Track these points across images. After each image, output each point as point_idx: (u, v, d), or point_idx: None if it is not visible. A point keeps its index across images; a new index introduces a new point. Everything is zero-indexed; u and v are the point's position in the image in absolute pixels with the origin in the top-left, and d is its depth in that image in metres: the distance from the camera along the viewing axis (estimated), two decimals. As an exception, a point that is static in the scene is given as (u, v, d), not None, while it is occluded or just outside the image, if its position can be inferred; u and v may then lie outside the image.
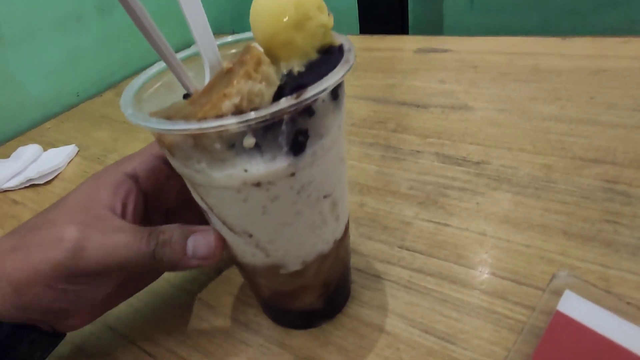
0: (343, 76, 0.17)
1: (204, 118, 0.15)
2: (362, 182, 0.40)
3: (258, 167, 0.17)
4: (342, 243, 0.24)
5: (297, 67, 0.19)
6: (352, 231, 0.34)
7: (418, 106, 0.51)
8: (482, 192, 0.36)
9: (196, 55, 0.22)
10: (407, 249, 0.32)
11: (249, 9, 0.19)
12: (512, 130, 0.43)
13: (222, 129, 0.15)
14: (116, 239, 0.21)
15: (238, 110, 0.16)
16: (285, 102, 0.15)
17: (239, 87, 0.16)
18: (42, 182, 0.49)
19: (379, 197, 0.37)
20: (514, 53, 0.59)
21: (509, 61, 0.57)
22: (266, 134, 0.16)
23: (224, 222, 0.20)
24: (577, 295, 0.24)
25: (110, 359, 0.28)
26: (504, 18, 0.92)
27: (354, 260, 0.32)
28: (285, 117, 0.16)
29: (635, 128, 0.39)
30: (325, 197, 0.20)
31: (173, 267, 0.22)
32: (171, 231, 0.22)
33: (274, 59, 0.19)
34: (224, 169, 0.17)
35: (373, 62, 0.66)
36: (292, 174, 0.18)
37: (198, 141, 0.17)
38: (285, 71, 0.19)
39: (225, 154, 0.17)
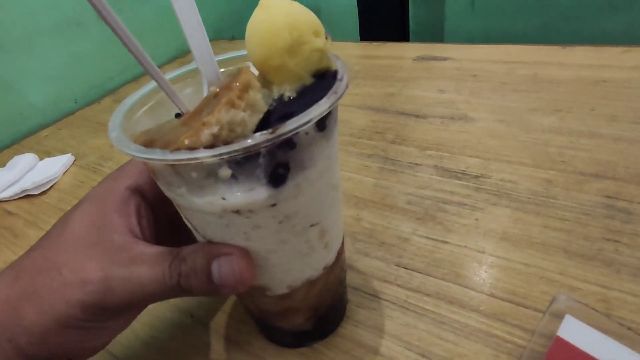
0: (328, 109, 0.16)
1: (177, 149, 0.15)
2: (359, 195, 0.39)
3: (236, 196, 0.17)
4: (333, 269, 0.23)
5: (289, 92, 0.18)
6: (348, 247, 0.34)
7: (417, 116, 0.50)
8: (481, 207, 0.35)
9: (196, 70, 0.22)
10: (405, 267, 0.31)
11: (249, 14, 0.19)
12: (511, 142, 0.43)
13: (194, 161, 0.15)
14: (139, 273, 0.19)
15: (216, 140, 0.15)
16: (259, 137, 0.15)
17: (219, 116, 0.16)
18: (37, 192, 0.49)
19: (376, 211, 0.37)
20: (514, 62, 0.59)
21: (509, 70, 0.57)
22: (242, 166, 0.16)
23: (209, 243, 0.20)
24: (578, 320, 0.24)
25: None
26: (504, 22, 0.92)
27: (350, 278, 0.31)
28: (262, 150, 0.16)
29: (637, 142, 0.39)
30: (312, 226, 0.20)
31: (207, 295, 0.20)
32: (193, 258, 0.19)
33: (267, 82, 0.19)
34: (203, 195, 0.17)
35: (372, 70, 0.65)
36: (273, 205, 0.17)
37: (176, 169, 0.17)
38: (276, 96, 0.18)
39: (204, 182, 0.17)
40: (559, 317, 0.25)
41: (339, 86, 0.17)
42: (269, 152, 0.16)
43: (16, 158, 0.54)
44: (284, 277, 0.21)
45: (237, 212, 0.17)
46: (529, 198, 0.35)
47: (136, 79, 0.80)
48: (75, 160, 0.55)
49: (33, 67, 0.66)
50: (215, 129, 0.15)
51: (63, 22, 0.68)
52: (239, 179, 0.16)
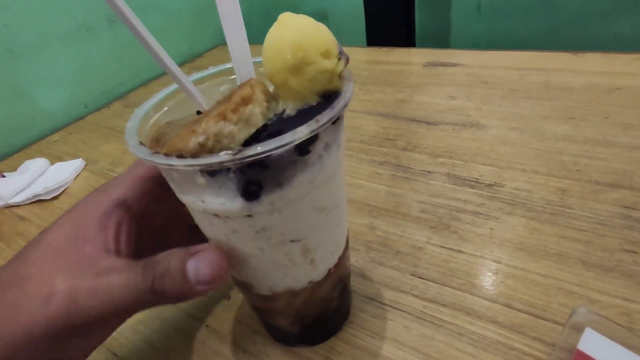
0: (304, 137, 0.16)
1: (156, 152, 0.16)
2: (372, 203, 0.39)
3: (212, 201, 0.17)
4: (321, 285, 0.23)
5: (290, 110, 0.18)
6: (363, 256, 0.34)
7: (428, 123, 0.50)
8: (495, 216, 0.35)
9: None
10: (420, 277, 0.31)
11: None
12: (525, 150, 0.42)
13: (166, 167, 0.16)
14: (109, 281, 0.19)
15: (202, 148, 0.16)
16: (223, 157, 0.15)
17: (207, 126, 0.16)
18: (48, 197, 0.49)
19: (390, 219, 0.37)
20: (525, 68, 0.58)
21: (520, 77, 0.57)
22: (215, 177, 0.17)
23: (202, 231, 0.22)
24: (599, 333, 0.24)
25: (116, 388, 0.28)
26: (511, 26, 0.92)
27: (365, 287, 0.31)
28: (232, 166, 0.16)
29: (653, 151, 0.39)
30: (292, 241, 0.20)
31: (178, 298, 0.19)
32: (167, 260, 0.19)
33: (276, 95, 0.19)
34: (187, 194, 0.18)
35: (382, 75, 0.65)
36: (249, 215, 0.18)
37: (162, 167, 0.18)
38: (280, 110, 0.18)
39: (185, 183, 0.18)
40: (579, 330, 0.24)
41: (325, 114, 0.16)
42: (240, 169, 0.16)
43: (27, 162, 0.54)
44: (265, 280, 0.22)
45: (216, 215, 0.18)
46: (544, 207, 0.35)
47: (146, 84, 0.80)
48: (86, 165, 0.56)
49: (44, 72, 0.66)
50: (202, 138, 0.16)
51: (74, 28, 0.68)
52: (214, 188, 0.17)
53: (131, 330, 0.31)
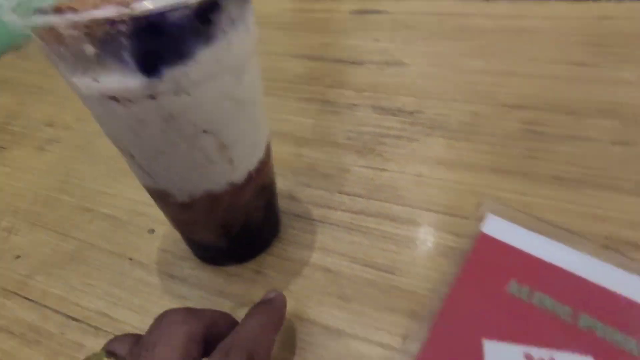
0: None
1: (32, 13, 0.15)
2: (298, 135, 0.39)
3: (108, 79, 0.16)
4: (243, 190, 0.23)
5: None
6: (290, 179, 0.34)
7: (353, 63, 0.51)
8: (417, 138, 0.37)
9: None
10: (347, 194, 0.32)
11: None
12: (443, 83, 0.45)
13: (46, 34, 0.14)
14: None
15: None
16: (110, 11, 0.13)
17: None
18: None
19: (317, 147, 0.37)
20: (443, 14, 0.61)
21: (439, 21, 0.59)
22: (104, 45, 0.15)
23: (108, 137, 0.20)
24: (500, 218, 0.26)
25: (30, 331, 0.25)
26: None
27: (293, 207, 0.31)
28: (125, 29, 0.14)
29: (552, 78, 0.43)
30: (205, 132, 0.19)
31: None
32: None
33: None
34: (77, 75, 0.16)
35: (308, 22, 0.64)
36: (152, 97, 0.16)
37: (47, 41, 0.16)
38: None
39: (75, 59, 0.16)
40: (484, 219, 0.27)
41: None
42: (134, 34, 0.15)
43: None
44: (182, 184, 0.21)
45: (115, 99, 0.17)
46: (460, 128, 0.37)
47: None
48: (-24, 119, 0.49)
49: None
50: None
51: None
52: (107, 61, 0.15)
53: (46, 275, 0.29)
